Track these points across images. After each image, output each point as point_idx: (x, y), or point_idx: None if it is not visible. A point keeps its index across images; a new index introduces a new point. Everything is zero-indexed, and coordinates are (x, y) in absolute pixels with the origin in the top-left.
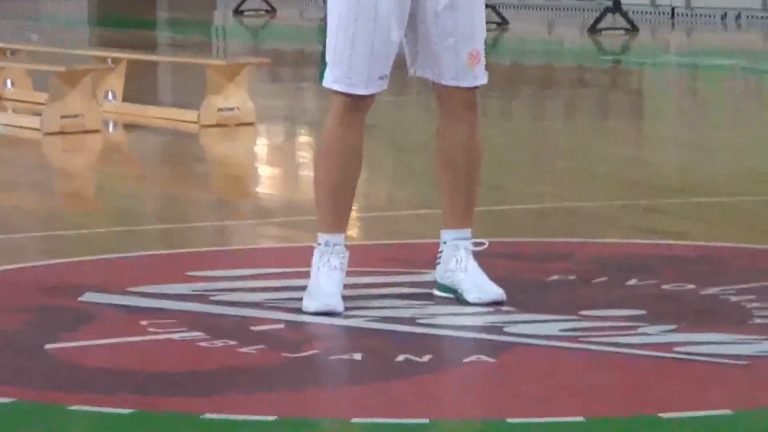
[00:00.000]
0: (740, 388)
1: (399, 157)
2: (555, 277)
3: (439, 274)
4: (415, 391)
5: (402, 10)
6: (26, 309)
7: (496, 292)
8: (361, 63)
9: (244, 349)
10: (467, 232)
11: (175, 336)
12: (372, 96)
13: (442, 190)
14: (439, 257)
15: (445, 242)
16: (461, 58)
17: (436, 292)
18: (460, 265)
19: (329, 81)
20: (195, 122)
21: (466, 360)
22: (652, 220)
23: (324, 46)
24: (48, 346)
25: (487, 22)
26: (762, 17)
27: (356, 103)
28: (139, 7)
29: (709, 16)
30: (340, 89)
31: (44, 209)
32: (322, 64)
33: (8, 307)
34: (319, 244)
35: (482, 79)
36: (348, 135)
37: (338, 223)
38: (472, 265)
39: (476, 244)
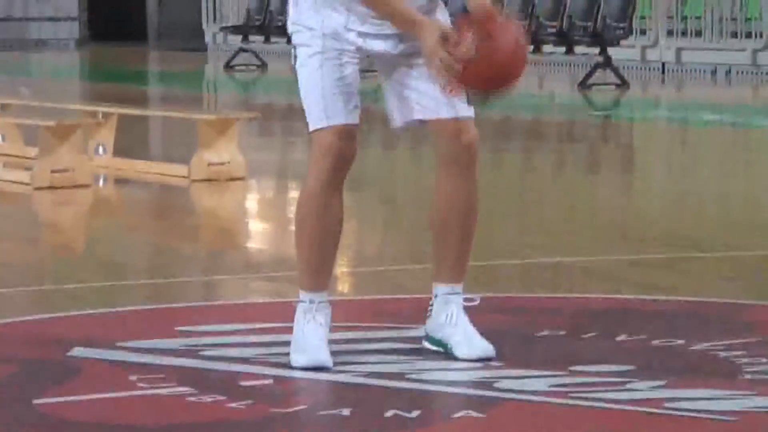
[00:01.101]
0: None
1: (387, 211)
2: (544, 332)
3: (430, 327)
4: None
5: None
6: (14, 363)
7: (485, 347)
8: (330, 104)
9: (232, 405)
10: (459, 287)
11: (164, 391)
12: (348, 128)
13: (434, 245)
14: (430, 310)
15: (436, 296)
16: (437, 89)
17: (426, 345)
18: (450, 320)
19: (312, 123)
20: (185, 177)
21: (456, 416)
22: (640, 275)
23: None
24: (36, 401)
25: None
26: (752, 72)
27: (334, 153)
28: (130, 61)
29: (699, 71)
30: (320, 126)
31: (33, 263)
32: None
33: None
34: (302, 302)
35: (466, 112)
36: (330, 197)
37: (322, 282)
38: (462, 320)
39: (467, 300)
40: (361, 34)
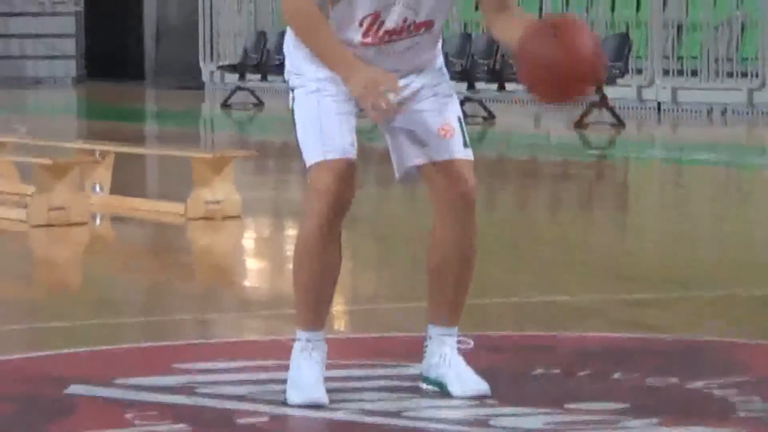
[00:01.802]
0: None
1: (383, 250)
2: (539, 370)
3: (425, 367)
4: None
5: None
6: (11, 401)
7: (480, 385)
8: (328, 136)
9: None
10: (453, 329)
11: (160, 428)
12: (345, 163)
13: (430, 289)
14: (425, 351)
15: (430, 337)
16: (432, 131)
17: (423, 385)
18: (444, 360)
19: (308, 159)
20: (182, 215)
21: None
22: (634, 313)
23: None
24: None
25: (474, 116)
26: (747, 112)
27: (332, 197)
28: (127, 99)
29: (695, 111)
30: (318, 160)
31: (29, 301)
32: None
33: None
34: (299, 340)
35: (462, 153)
36: (328, 239)
37: (319, 321)
38: (456, 359)
39: (462, 342)
40: None
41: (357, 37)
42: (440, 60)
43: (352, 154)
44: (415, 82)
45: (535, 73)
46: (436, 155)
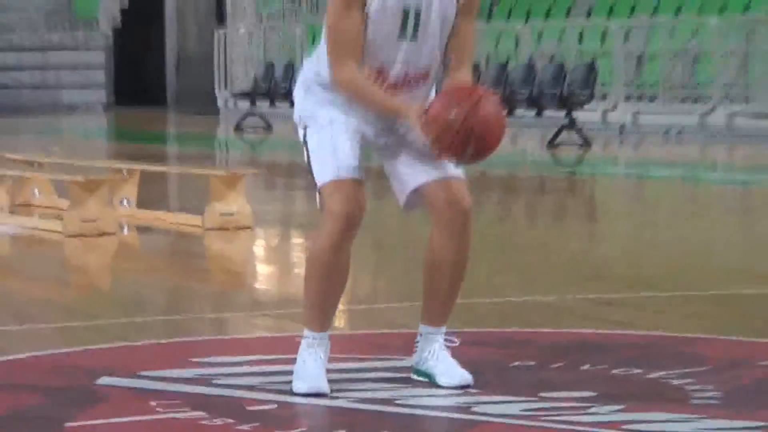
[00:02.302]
0: None
1: (381, 256)
2: (517, 362)
3: (416, 360)
4: None
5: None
6: (47, 391)
7: (464, 376)
8: (338, 157)
9: (241, 427)
10: (442, 329)
11: (180, 415)
12: (356, 182)
13: (424, 292)
14: (416, 346)
15: (421, 334)
16: (427, 155)
17: (414, 376)
18: (432, 355)
19: (319, 179)
20: (199, 226)
21: None
22: (603, 311)
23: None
24: (67, 424)
25: None
26: (700, 133)
27: (345, 217)
28: (151, 123)
29: (654, 133)
30: (328, 179)
31: (64, 302)
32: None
33: (31, 388)
34: (306, 338)
35: (455, 173)
36: (339, 257)
37: (326, 324)
38: (443, 354)
39: (448, 340)
40: (362, 121)
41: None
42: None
43: (361, 175)
44: None
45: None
46: (433, 175)
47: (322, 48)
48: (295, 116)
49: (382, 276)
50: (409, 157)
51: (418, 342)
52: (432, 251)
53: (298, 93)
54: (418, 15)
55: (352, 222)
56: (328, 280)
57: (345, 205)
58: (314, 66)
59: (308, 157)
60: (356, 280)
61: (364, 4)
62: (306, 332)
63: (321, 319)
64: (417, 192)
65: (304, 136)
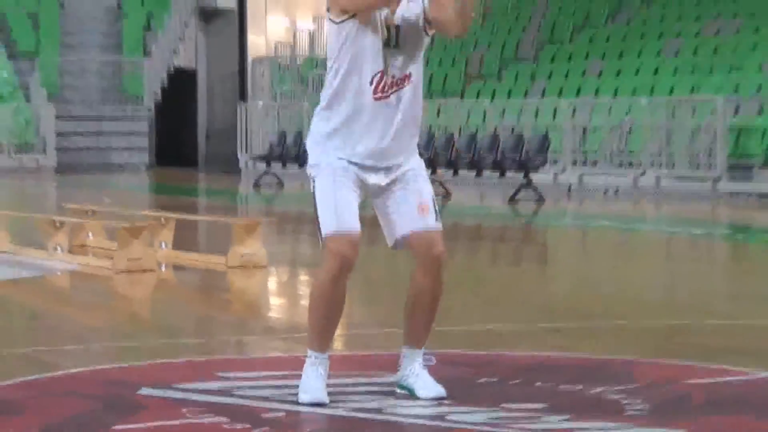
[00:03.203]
0: None
1: (371, 290)
2: (482, 379)
3: (399, 376)
4: None
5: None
6: (98, 400)
7: (439, 390)
8: (340, 210)
9: (256, 431)
10: (421, 351)
11: (206, 420)
12: (353, 236)
13: (405, 320)
14: (400, 365)
15: (404, 355)
16: (413, 208)
17: (397, 390)
18: (413, 372)
19: (323, 229)
20: (223, 264)
21: None
22: (552, 338)
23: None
24: (114, 427)
25: (436, 193)
26: (633, 192)
27: (340, 242)
28: (185, 180)
29: (595, 191)
30: (330, 231)
31: (111, 326)
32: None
33: (85, 398)
34: (309, 357)
35: (435, 225)
36: (337, 290)
37: (326, 346)
38: (422, 372)
39: (426, 359)
40: (360, 168)
41: (370, 95)
42: (416, 148)
43: (357, 228)
44: (405, 165)
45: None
46: (416, 227)
47: (324, 91)
48: (307, 169)
49: (372, 306)
50: (398, 204)
51: (401, 361)
52: (414, 287)
53: (308, 147)
54: (398, 27)
55: (347, 264)
56: (327, 308)
57: (341, 252)
58: (317, 117)
59: (315, 206)
60: (351, 310)
61: None
62: (309, 352)
63: (322, 341)
64: (403, 238)
65: (313, 187)
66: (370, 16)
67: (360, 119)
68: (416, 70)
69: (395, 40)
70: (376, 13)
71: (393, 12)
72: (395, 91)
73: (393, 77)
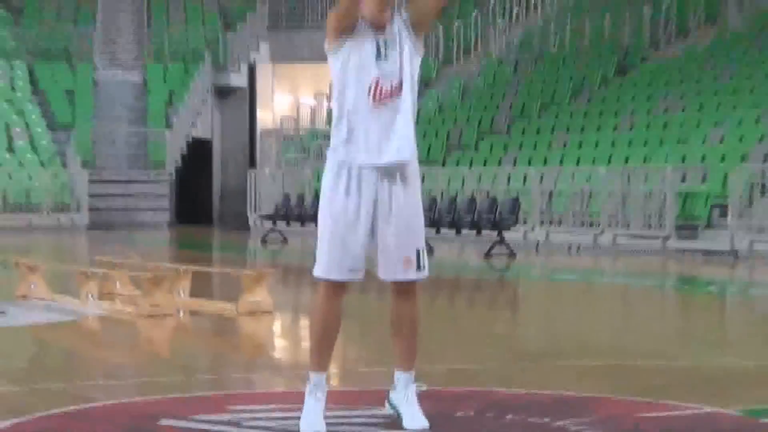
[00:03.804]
0: None
1: (365, 330)
2: (460, 413)
3: (392, 395)
4: None
5: (365, 225)
6: (124, 429)
7: (423, 422)
8: (336, 256)
9: None
10: (412, 372)
11: None
12: (344, 284)
13: (394, 346)
14: (394, 385)
15: (398, 378)
16: (398, 260)
17: (387, 405)
18: (407, 398)
19: (316, 273)
20: (234, 311)
21: None
22: (522, 376)
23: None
24: None
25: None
26: (593, 249)
27: (334, 288)
28: (201, 236)
29: (560, 248)
30: (321, 276)
31: (135, 364)
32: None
33: (113, 427)
34: (309, 381)
35: (414, 276)
36: (330, 312)
37: (324, 365)
38: (413, 400)
39: (419, 386)
40: (369, 170)
41: (369, 101)
42: (415, 150)
43: (348, 277)
44: (407, 187)
45: None
46: (398, 275)
47: (333, 109)
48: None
49: (364, 346)
50: (388, 249)
51: (395, 382)
52: (395, 317)
53: (327, 155)
54: (386, 42)
55: (338, 299)
56: (323, 327)
57: (331, 296)
58: (332, 131)
59: (317, 234)
60: (346, 349)
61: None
62: (310, 375)
63: (320, 360)
64: (385, 279)
65: (320, 207)
66: (364, 34)
67: (363, 124)
68: (409, 80)
69: (385, 52)
70: (369, 30)
71: (383, 22)
72: (391, 98)
73: (390, 85)
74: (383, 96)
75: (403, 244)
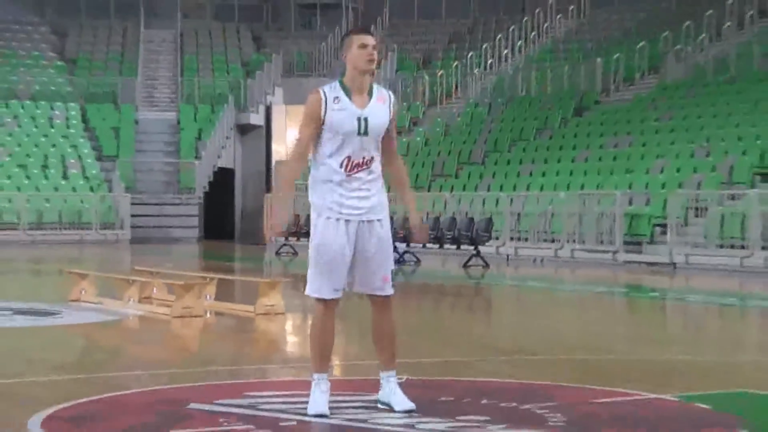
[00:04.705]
0: None
1: (361, 332)
2: (442, 398)
3: (380, 395)
4: None
5: (346, 256)
6: (155, 413)
7: (410, 405)
8: (325, 281)
9: None
10: (394, 371)
11: (237, 427)
12: (333, 301)
13: (377, 353)
14: (381, 385)
15: (382, 378)
16: (378, 278)
17: (379, 405)
18: (391, 391)
19: (307, 290)
20: (252, 312)
21: None
22: (495, 368)
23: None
24: None
25: (410, 261)
26: (554, 261)
27: (325, 303)
28: (224, 250)
29: (527, 260)
30: (313, 295)
31: (168, 357)
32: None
33: (147, 410)
34: (314, 378)
35: (390, 291)
36: (326, 324)
37: (324, 367)
38: (398, 390)
39: (399, 378)
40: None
41: (342, 173)
42: (385, 201)
43: (338, 295)
44: (383, 223)
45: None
46: (374, 291)
47: (313, 165)
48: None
49: (362, 344)
50: (370, 271)
51: (381, 383)
52: (374, 325)
53: (310, 195)
54: (366, 119)
55: (331, 313)
56: (320, 337)
57: (326, 309)
58: (312, 174)
59: (309, 255)
60: (343, 348)
61: (320, 118)
62: (313, 375)
63: (321, 363)
64: (364, 293)
65: (311, 234)
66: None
67: (339, 190)
68: (378, 154)
69: (365, 129)
70: (351, 115)
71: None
72: (364, 169)
73: (363, 159)
74: (357, 168)
75: (383, 267)
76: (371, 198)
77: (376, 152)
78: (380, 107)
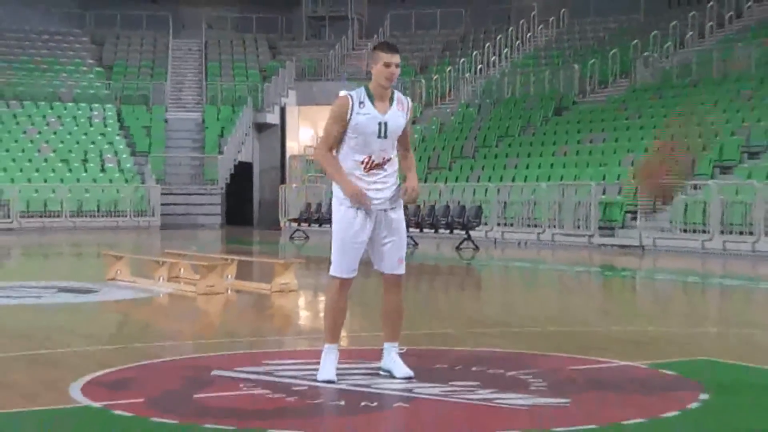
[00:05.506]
0: (522, 420)
1: (363, 309)
2: (437, 365)
3: (383, 363)
4: (367, 419)
5: (363, 242)
6: (183, 378)
7: (408, 372)
8: (346, 262)
9: (288, 399)
10: (396, 343)
11: (255, 392)
12: (348, 279)
13: (383, 323)
14: (383, 354)
15: (385, 348)
16: (395, 260)
17: (381, 371)
18: (391, 360)
19: (332, 271)
20: (268, 290)
21: (394, 405)
22: (483, 339)
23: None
24: (194, 396)
25: (408, 243)
26: (536, 244)
27: (342, 282)
28: (244, 235)
29: (513, 243)
30: (336, 275)
31: (193, 330)
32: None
33: (175, 376)
34: (324, 348)
35: (402, 270)
36: (340, 300)
37: (335, 337)
38: (398, 359)
39: (400, 349)
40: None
41: (362, 171)
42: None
43: (355, 272)
44: (396, 210)
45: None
46: (392, 270)
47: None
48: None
49: (366, 319)
50: (388, 253)
51: (383, 352)
52: (384, 301)
53: (333, 186)
54: (386, 124)
55: (346, 289)
56: (334, 311)
57: (344, 284)
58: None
59: (333, 240)
60: (352, 322)
61: (346, 120)
62: (324, 345)
63: (332, 334)
64: (382, 271)
65: (333, 221)
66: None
67: (359, 183)
68: (394, 152)
69: (385, 132)
70: (374, 119)
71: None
72: (382, 166)
73: (383, 159)
74: (375, 167)
75: (399, 249)
76: (387, 190)
77: (393, 151)
78: (398, 113)
